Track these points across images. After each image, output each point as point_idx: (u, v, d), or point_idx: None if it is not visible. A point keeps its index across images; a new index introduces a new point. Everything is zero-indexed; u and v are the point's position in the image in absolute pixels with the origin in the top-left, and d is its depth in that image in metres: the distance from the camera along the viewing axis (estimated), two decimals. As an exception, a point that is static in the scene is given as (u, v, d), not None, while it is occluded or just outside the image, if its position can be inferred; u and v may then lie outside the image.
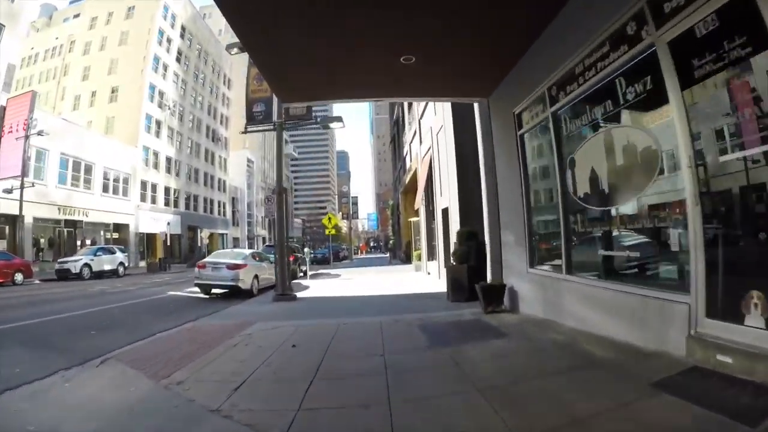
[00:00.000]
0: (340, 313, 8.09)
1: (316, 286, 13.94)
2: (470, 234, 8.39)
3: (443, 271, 12.09)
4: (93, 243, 28.34)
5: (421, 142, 16.64)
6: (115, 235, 32.38)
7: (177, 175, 40.76)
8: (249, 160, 58.69)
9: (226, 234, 50.20)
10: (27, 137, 22.97)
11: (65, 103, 39.97)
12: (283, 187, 11.67)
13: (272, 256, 17.68)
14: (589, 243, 5.05)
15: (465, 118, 9.67)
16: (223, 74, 52.81)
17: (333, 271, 21.13)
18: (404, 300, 9.64)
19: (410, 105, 20.05)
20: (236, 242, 52.99)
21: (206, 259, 13.10)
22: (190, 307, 10.20)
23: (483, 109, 7.81)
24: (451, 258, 8.33)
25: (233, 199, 52.99)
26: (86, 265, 20.50)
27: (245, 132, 12.85)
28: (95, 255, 21.57)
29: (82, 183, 29.39)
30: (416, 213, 24.31)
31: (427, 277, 15.10)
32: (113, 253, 23.23)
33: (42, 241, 27.35)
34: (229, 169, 53.45)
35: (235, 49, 12.13)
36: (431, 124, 13.87)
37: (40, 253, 26.66)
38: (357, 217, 46.16)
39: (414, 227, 22.02)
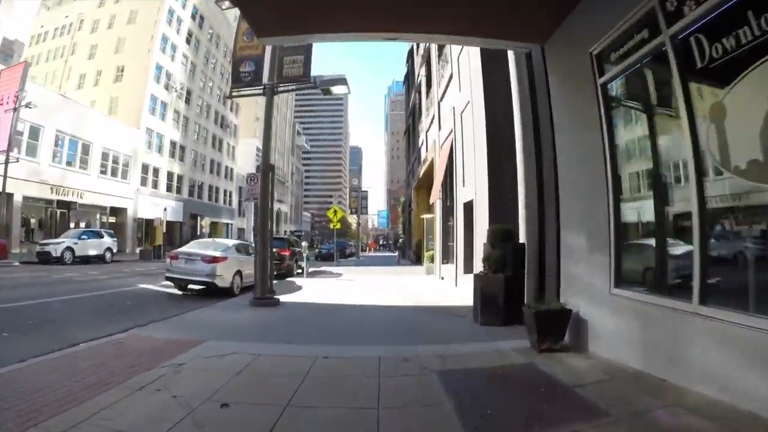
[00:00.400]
0: (325, 333, 6.02)
1: (311, 288, 11.90)
2: (506, 233, 6.25)
3: (463, 279, 10.01)
4: (88, 226, 26.78)
5: (440, 127, 14.50)
6: (112, 219, 30.89)
7: (182, 160, 39.22)
8: (258, 149, 57.02)
9: (231, 224, 48.64)
10: (15, 110, 21.41)
11: (71, 82, 38.75)
12: (270, 164, 9.65)
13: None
14: (750, 253, 2.87)
15: (498, 90, 7.56)
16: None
17: (335, 269, 19.07)
18: (415, 315, 7.55)
19: (428, 89, 17.90)
20: (241, 233, 51.41)
21: (180, 249, 11.17)
22: (148, 307, 8.27)
23: (525, 63, 5.72)
24: (483, 264, 6.19)
25: (240, 188, 51.37)
26: (68, 248, 18.83)
27: (230, 97, 10.81)
28: (79, 238, 19.89)
29: (78, 163, 27.89)
30: (429, 209, 22.19)
31: (440, 283, 12.97)
32: (101, 237, 21.57)
33: (33, 221, 25.92)
34: (237, 158, 51.88)
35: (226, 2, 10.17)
36: (454, 103, 11.73)
37: (31, 234, 25.22)
38: (366, 213, 43.63)
39: (427, 225, 19.88)
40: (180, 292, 10.49)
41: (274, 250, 14.15)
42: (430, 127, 17.43)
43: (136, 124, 33.74)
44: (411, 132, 29.38)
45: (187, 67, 40.82)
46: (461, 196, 10.82)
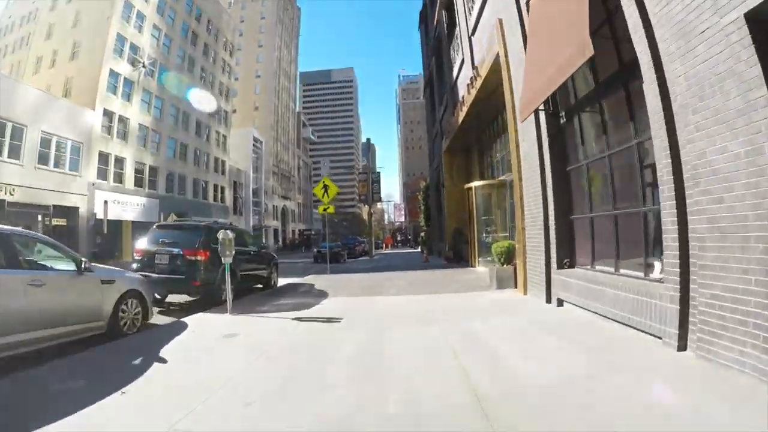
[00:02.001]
0: None
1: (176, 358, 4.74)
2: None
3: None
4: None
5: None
6: (60, 221, 24.50)
7: (156, 149, 32.72)
8: (256, 140, 50.45)
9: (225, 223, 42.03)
10: None
11: (28, 67, 32.80)
12: None
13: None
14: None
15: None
16: (224, 39, 44.56)
17: (325, 282, 11.32)
18: None
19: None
20: (239, 235, 44.91)
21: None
22: None
23: None
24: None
25: (235, 183, 44.84)
26: None
27: None
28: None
29: (5, 151, 21.52)
30: (475, 176, 14.67)
31: (556, 319, 5.59)
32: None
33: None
34: (231, 149, 45.31)
35: None
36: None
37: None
38: (380, 200, 35.93)
39: (478, 199, 12.46)
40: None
41: (165, 249, 7.13)
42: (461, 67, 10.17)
43: (91, 104, 27.33)
44: (433, 84, 21.92)
45: (160, 40, 34.30)
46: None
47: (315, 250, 24.76)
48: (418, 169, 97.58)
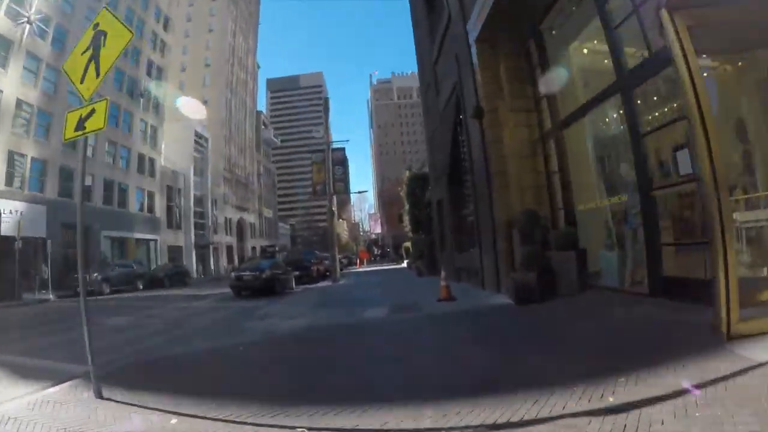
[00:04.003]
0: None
1: None
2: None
3: None
4: None
5: None
6: None
7: (45, 136, 23.76)
8: (200, 136, 41.65)
9: (156, 240, 32.91)
10: None
11: None
12: None
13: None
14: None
15: None
16: (155, 7, 36.11)
17: None
18: None
19: None
20: (176, 253, 35.70)
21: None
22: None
23: None
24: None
25: (169, 188, 35.88)
26: None
27: None
28: None
29: None
30: (543, 110, 7.78)
31: None
32: None
33: None
34: (166, 146, 36.48)
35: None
36: None
37: None
38: (345, 191, 24.14)
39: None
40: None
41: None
42: None
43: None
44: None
45: (57, -6, 25.64)
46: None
47: (233, 275, 16.32)
48: (395, 175, 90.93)
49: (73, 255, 24.98)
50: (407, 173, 34.40)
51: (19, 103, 22.41)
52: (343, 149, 24.15)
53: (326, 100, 21.70)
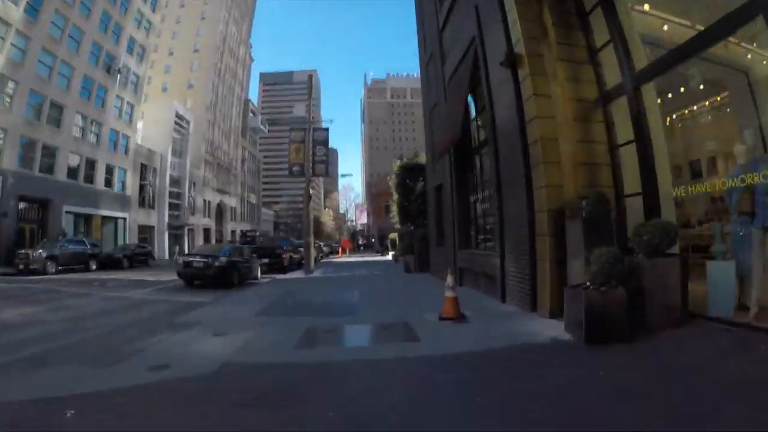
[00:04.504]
0: None
1: None
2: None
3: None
4: None
5: None
6: None
7: (8, 103, 23.13)
8: (181, 117, 41.01)
9: (125, 219, 32.42)
10: None
11: None
12: None
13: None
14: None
15: None
16: (142, -17, 35.30)
17: None
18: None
19: None
20: (147, 233, 35.26)
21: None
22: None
23: None
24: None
25: (144, 167, 35.30)
26: None
27: None
28: None
29: None
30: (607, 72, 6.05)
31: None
32: None
33: None
34: (139, 123, 35.82)
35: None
36: None
37: None
38: (326, 173, 23.11)
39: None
40: None
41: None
42: None
43: None
44: None
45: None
46: None
47: (181, 260, 14.27)
48: (384, 170, 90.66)
49: (29, 230, 24.57)
50: (398, 162, 33.50)
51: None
52: (327, 129, 22.41)
53: (311, 76, 20.63)
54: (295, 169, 21.66)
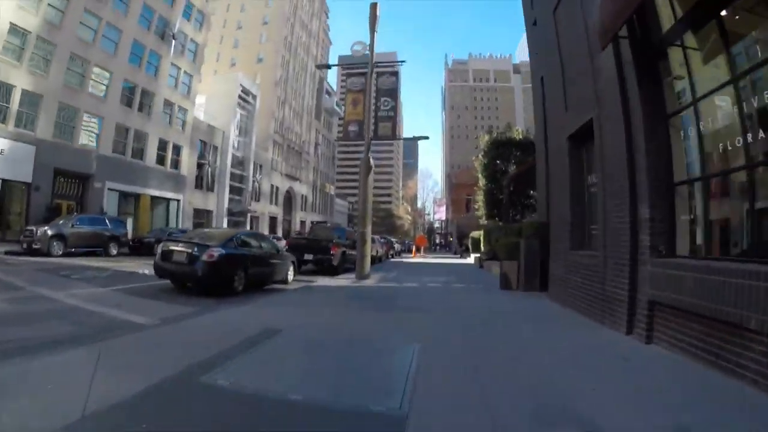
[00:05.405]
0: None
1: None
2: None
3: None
4: None
5: None
6: None
7: (44, 68, 20.84)
8: (246, 91, 37.95)
9: (179, 201, 29.88)
10: None
11: None
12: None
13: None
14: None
15: None
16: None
17: None
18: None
19: None
20: (204, 217, 32.69)
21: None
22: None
23: None
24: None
25: (204, 144, 32.65)
26: None
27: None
28: None
29: None
30: None
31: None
32: None
33: None
34: (202, 97, 33.22)
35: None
36: None
37: None
38: (393, 135, 17.22)
39: None
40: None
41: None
42: None
43: None
44: None
45: None
46: None
47: (160, 249, 9.17)
48: (464, 161, 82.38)
49: (62, 206, 22.39)
50: (485, 137, 27.18)
51: (12, 29, 19.50)
52: (396, 72, 16.45)
53: (374, 4, 14.51)
54: (352, 129, 15.87)
